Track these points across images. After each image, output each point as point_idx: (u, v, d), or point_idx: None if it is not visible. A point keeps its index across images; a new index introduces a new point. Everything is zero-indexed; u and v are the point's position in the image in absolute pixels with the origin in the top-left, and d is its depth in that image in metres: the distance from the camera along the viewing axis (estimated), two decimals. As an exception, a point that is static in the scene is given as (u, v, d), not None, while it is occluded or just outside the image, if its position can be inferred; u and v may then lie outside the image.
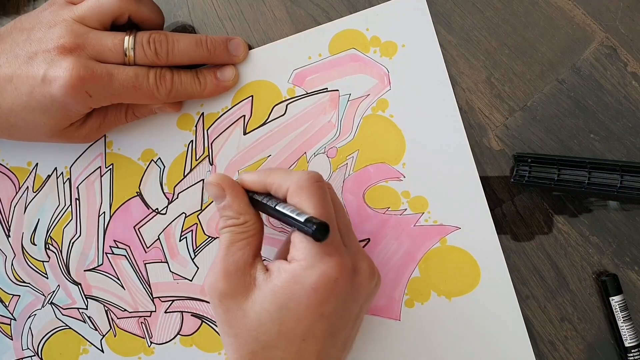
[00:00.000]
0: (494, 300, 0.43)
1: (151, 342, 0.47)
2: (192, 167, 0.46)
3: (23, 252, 0.47)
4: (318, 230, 0.34)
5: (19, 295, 0.47)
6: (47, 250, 0.47)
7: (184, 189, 0.46)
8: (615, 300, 0.42)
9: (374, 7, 0.44)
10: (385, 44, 0.44)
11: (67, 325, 0.47)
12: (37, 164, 0.47)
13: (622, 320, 0.42)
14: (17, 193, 0.47)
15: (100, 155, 0.47)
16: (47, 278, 0.47)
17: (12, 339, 0.48)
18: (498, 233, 0.43)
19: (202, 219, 0.46)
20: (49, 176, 0.47)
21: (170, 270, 0.46)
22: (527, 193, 0.44)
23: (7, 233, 0.47)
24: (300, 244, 0.36)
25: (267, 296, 0.36)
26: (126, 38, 0.40)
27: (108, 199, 0.47)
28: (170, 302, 0.46)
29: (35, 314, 0.47)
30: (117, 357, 0.47)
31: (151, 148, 0.46)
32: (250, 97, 0.45)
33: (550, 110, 0.43)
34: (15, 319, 0.48)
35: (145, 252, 0.46)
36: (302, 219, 0.35)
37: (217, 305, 0.38)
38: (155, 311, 0.47)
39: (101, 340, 0.47)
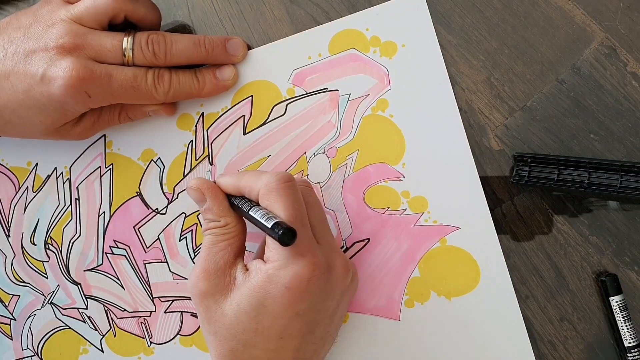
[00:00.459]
0: (493, 300, 0.43)
1: (151, 342, 0.47)
2: (192, 167, 0.46)
3: (23, 252, 0.47)
4: (284, 235, 0.35)
5: (19, 295, 0.48)
6: (47, 250, 0.47)
7: (184, 189, 0.46)
8: (615, 300, 0.42)
9: (374, 7, 0.44)
10: (385, 44, 0.44)
11: (67, 325, 0.47)
12: (37, 164, 0.47)
13: (622, 320, 0.42)
14: (17, 193, 0.47)
15: (100, 155, 0.47)
16: (47, 278, 0.47)
17: (12, 339, 0.48)
18: (498, 233, 0.43)
19: (202, 220, 0.46)
20: (48, 176, 0.47)
21: (170, 270, 0.46)
22: (527, 193, 0.44)
23: (7, 233, 0.47)
24: (273, 244, 0.38)
25: (245, 295, 0.37)
26: (125, 39, 0.41)
27: (108, 199, 0.47)
28: (170, 302, 0.46)
29: (35, 314, 0.47)
30: (116, 357, 0.47)
31: (151, 148, 0.46)
32: (250, 97, 0.45)
33: (550, 110, 0.43)
34: (15, 319, 0.48)
35: (145, 252, 0.46)
36: (269, 224, 0.35)
37: (198, 304, 0.39)
38: (155, 311, 0.47)
39: (101, 340, 0.47)
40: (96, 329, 0.47)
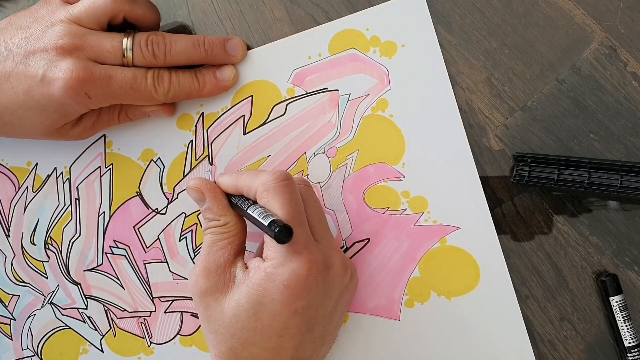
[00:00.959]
0: (493, 300, 0.43)
1: (151, 342, 0.47)
2: (192, 167, 0.46)
3: (23, 252, 0.47)
4: (281, 233, 0.35)
5: (19, 295, 0.48)
6: (47, 250, 0.47)
7: (184, 189, 0.46)
8: (615, 300, 0.42)
9: (374, 7, 0.44)
10: (385, 44, 0.44)
11: (66, 325, 0.47)
12: (36, 164, 0.47)
13: (622, 320, 0.42)
14: (16, 193, 0.47)
15: (100, 155, 0.47)
16: (47, 278, 0.47)
17: (11, 339, 0.48)
18: (498, 233, 0.43)
19: (202, 219, 0.46)
20: (48, 176, 0.47)
21: (170, 270, 0.46)
22: (526, 193, 0.43)
23: (6, 233, 0.47)
24: (271, 242, 0.38)
25: (243, 293, 0.37)
26: (124, 39, 0.41)
27: (108, 199, 0.47)
28: (170, 302, 0.46)
29: (35, 314, 0.47)
30: (116, 357, 0.47)
31: (151, 148, 0.46)
32: (250, 97, 0.45)
33: (550, 110, 0.43)
34: (15, 319, 0.48)
35: (145, 252, 0.46)
36: (266, 222, 0.36)
37: (198, 302, 0.39)
38: (155, 311, 0.47)
39: (101, 340, 0.47)
40: (96, 329, 0.47)
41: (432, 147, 0.44)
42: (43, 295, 0.47)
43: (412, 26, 0.44)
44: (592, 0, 0.43)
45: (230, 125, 0.45)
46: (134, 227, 0.46)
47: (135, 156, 0.46)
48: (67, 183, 0.47)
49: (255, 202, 0.39)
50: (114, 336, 0.47)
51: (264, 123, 0.45)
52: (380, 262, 0.44)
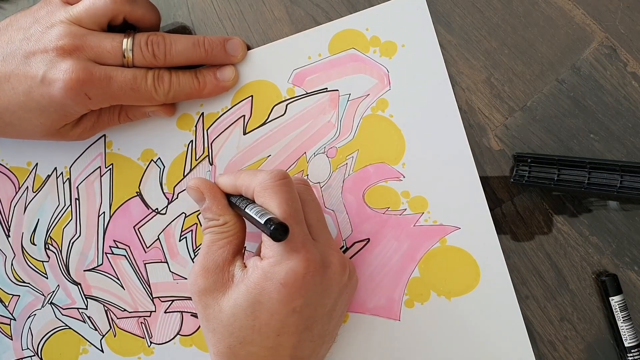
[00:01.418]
0: (493, 300, 0.43)
1: (151, 342, 0.47)
2: (192, 167, 0.46)
3: (23, 252, 0.47)
4: (276, 231, 0.35)
5: (19, 295, 0.48)
6: (47, 250, 0.47)
7: (184, 189, 0.46)
8: (615, 300, 0.42)
9: (374, 7, 0.44)
10: (385, 44, 0.44)
11: (66, 325, 0.47)
12: (36, 164, 0.47)
13: (622, 320, 0.42)
14: (16, 193, 0.47)
15: (100, 155, 0.47)
16: (47, 278, 0.47)
17: (11, 339, 0.48)
18: (498, 233, 0.43)
19: (202, 219, 0.46)
20: (48, 176, 0.47)
21: (170, 270, 0.46)
22: (526, 193, 0.44)
23: (7, 233, 0.47)
24: (268, 241, 0.38)
25: (242, 292, 0.38)
26: (124, 40, 0.41)
27: (108, 199, 0.47)
28: (170, 302, 0.46)
29: (35, 314, 0.47)
30: (116, 357, 0.47)
31: (151, 148, 0.46)
32: (250, 97, 0.45)
33: (550, 110, 0.43)
34: (15, 319, 0.48)
35: (145, 252, 0.46)
36: (262, 220, 0.36)
37: (197, 301, 0.39)
38: (155, 311, 0.47)
39: (101, 340, 0.47)
40: (96, 329, 0.47)
41: (432, 147, 0.44)
42: (43, 295, 0.47)
43: (412, 26, 0.44)
44: (592, 0, 0.43)
45: (230, 126, 0.45)
46: (134, 227, 0.46)
47: (135, 156, 0.46)
48: (67, 183, 0.47)
49: (253, 201, 0.39)
50: (114, 336, 0.47)
51: (264, 123, 0.45)
52: (380, 262, 0.44)
